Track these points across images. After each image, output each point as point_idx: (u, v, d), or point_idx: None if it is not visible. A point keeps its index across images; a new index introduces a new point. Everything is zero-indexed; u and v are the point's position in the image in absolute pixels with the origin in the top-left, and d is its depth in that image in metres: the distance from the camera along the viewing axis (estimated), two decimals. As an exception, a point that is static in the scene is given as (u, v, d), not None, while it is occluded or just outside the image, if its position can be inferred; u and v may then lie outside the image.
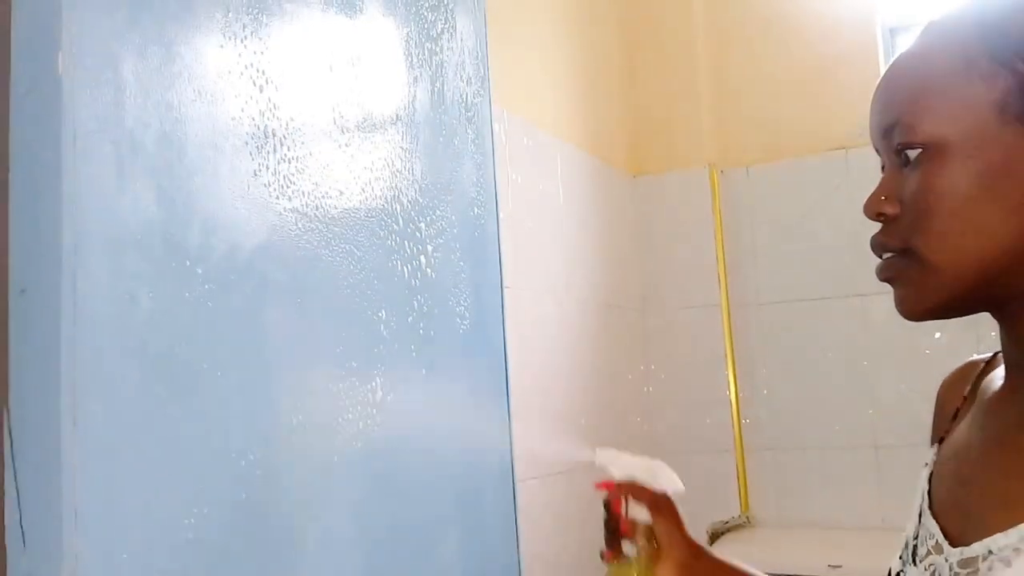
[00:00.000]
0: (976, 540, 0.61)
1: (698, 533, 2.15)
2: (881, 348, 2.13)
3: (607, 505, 0.90)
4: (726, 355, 2.26)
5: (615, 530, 0.88)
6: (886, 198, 0.66)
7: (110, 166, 0.71)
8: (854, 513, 2.15)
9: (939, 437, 0.76)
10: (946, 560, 0.64)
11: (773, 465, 2.25)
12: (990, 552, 0.60)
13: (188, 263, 0.77)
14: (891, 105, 0.66)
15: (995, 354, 0.76)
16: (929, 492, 0.71)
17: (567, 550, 1.81)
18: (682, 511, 0.89)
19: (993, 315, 0.67)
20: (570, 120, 2.08)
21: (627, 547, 0.87)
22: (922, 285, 0.64)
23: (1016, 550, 0.58)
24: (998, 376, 0.71)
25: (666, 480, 0.91)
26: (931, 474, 0.72)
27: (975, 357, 0.79)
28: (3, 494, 0.67)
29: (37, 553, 0.66)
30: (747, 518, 2.22)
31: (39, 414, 0.67)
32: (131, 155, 0.73)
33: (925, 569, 0.66)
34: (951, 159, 0.62)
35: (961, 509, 0.66)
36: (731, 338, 2.26)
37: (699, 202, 2.32)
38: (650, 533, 0.87)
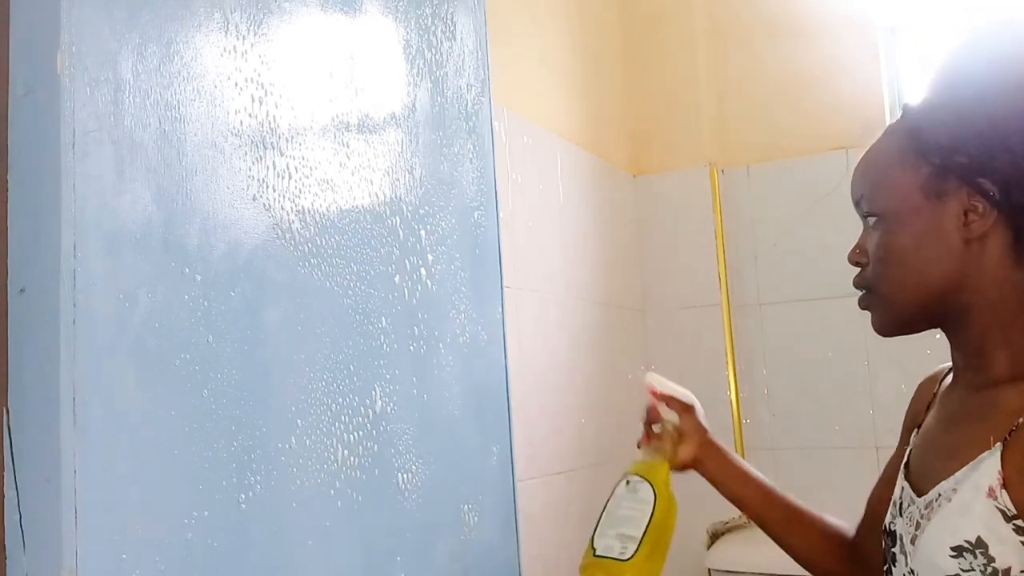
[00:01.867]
0: (931, 488, 0.86)
1: (698, 533, 2.16)
2: (881, 348, 2.13)
3: (648, 409, 1.18)
4: (726, 355, 2.26)
5: (651, 421, 1.16)
6: (859, 251, 0.95)
7: (109, 166, 0.71)
8: (854, 513, 2.15)
9: (916, 425, 1.02)
10: (916, 507, 0.88)
11: (773, 465, 2.24)
12: (939, 495, 0.84)
13: (187, 262, 0.77)
14: (857, 183, 0.95)
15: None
16: (907, 464, 0.96)
17: (567, 550, 1.81)
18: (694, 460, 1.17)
19: (941, 329, 0.94)
20: (570, 119, 2.08)
21: (657, 429, 1.15)
22: (884, 312, 0.93)
23: (954, 489, 0.83)
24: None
25: (695, 403, 1.19)
26: (909, 452, 0.98)
27: (942, 365, 1.04)
28: (3, 494, 0.67)
29: (37, 553, 0.66)
30: (747, 518, 2.22)
31: (39, 414, 0.67)
32: (130, 155, 0.73)
33: (907, 518, 0.89)
34: (895, 225, 0.90)
35: (923, 470, 0.92)
36: (731, 338, 2.26)
37: (699, 202, 2.32)
38: (677, 429, 1.15)
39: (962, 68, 0.90)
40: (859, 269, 0.96)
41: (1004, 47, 0.89)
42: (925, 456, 0.94)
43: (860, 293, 0.97)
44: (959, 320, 0.91)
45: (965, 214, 0.86)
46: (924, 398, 1.04)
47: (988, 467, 0.81)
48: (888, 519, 0.96)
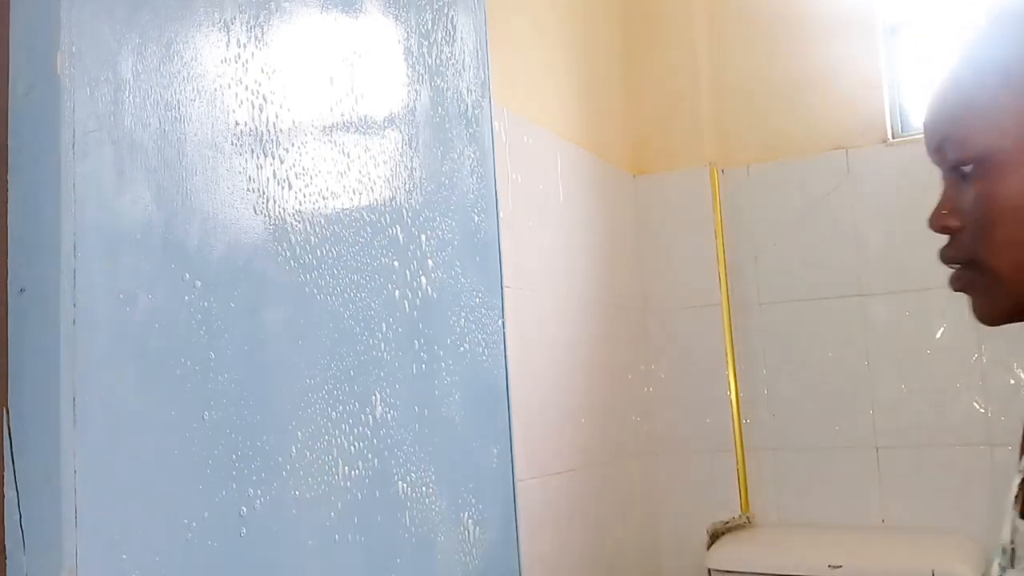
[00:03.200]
0: None
1: (698, 533, 2.16)
2: (881, 348, 2.13)
3: None
4: (726, 355, 2.26)
5: None
6: (948, 212, 0.70)
7: (109, 165, 0.71)
8: (854, 513, 2.15)
9: None
10: None
11: (773, 465, 2.25)
12: None
13: (188, 263, 0.77)
14: (938, 124, 0.69)
15: None
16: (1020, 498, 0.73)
17: (567, 550, 1.81)
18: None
19: None
20: (570, 119, 2.08)
21: None
22: (991, 294, 0.68)
23: None
24: None
25: None
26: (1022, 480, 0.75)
27: None
28: (3, 494, 0.67)
29: (37, 553, 0.66)
30: (747, 518, 2.22)
31: (39, 414, 0.67)
32: (130, 154, 0.73)
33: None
34: (1003, 171, 0.65)
35: None
36: (731, 338, 2.26)
37: (699, 202, 2.32)
38: None
39: None
40: (947, 238, 0.71)
41: None
42: None
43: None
44: None
45: None
46: None
47: None
48: (995, 572, 0.75)
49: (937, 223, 0.71)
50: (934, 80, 0.72)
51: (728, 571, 1.98)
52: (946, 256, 0.71)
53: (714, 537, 2.15)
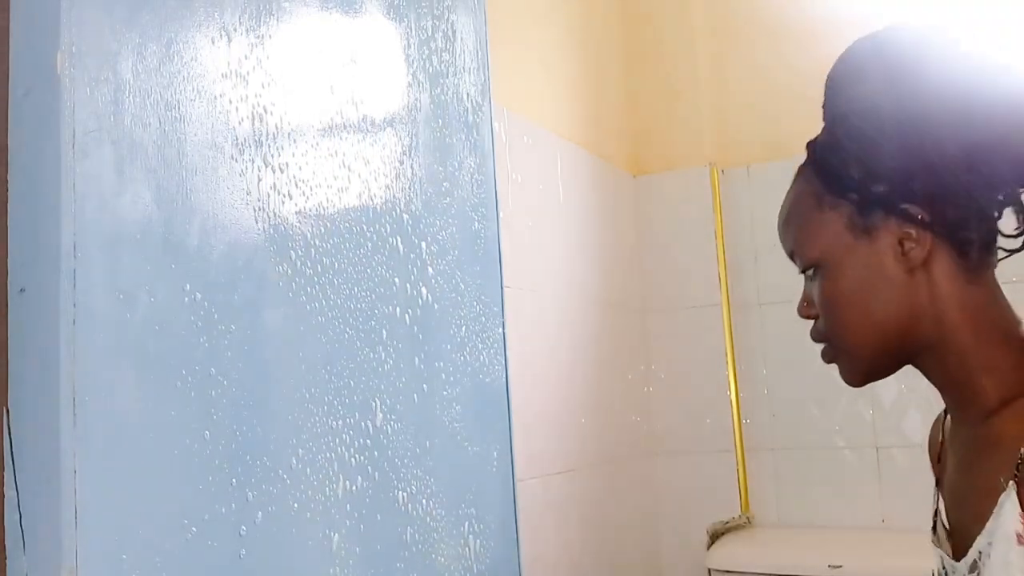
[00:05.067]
0: (969, 548, 0.77)
1: (698, 533, 2.16)
2: (881, 348, 2.12)
3: None
4: (726, 355, 2.26)
5: None
6: (807, 304, 0.89)
7: (109, 166, 0.71)
8: (854, 513, 2.15)
9: (937, 480, 0.93)
10: (959, 574, 0.80)
11: (773, 465, 2.25)
12: (979, 553, 0.76)
13: (188, 263, 0.77)
14: (784, 237, 0.90)
15: None
16: (936, 528, 0.88)
17: (567, 550, 1.81)
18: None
19: (917, 368, 0.86)
20: (570, 119, 2.08)
21: None
22: (848, 364, 0.86)
23: (989, 543, 0.74)
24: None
25: None
26: (936, 513, 0.89)
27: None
28: (3, 494, 0.67)
29: (37, 553, 0.66)
30: (747, 518, 2.22)
31: (39, 414, 0.67)
32: (130, 155, 0.73)
33: None
34: (832, 273, 0.84)
35: (957, 527, 0.83)
36: (731, 338, 2.26)
37: (699, 202, 2.32)
38: None
39: (851, 93, 0.83)
40: (812, 323, 0.89)
41: (885, 62, 0.83)
42: (953, 511, 0.85)
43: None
44: (930, 355, 0.83)
45: (900, 243, 0.80)
46: (934, 448, 0.95)
47: (1008, 512, 0.72)
48: None
49: (801, 312, 0.90)
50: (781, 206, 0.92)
51: (728, 571, 1.98)
52: (813, 337, 0.89)
53: (714, 537, 2.15)
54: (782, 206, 0.90)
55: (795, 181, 0.89)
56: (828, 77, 0.86)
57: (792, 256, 0.89)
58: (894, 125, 0.80)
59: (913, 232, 0.80)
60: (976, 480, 0.79)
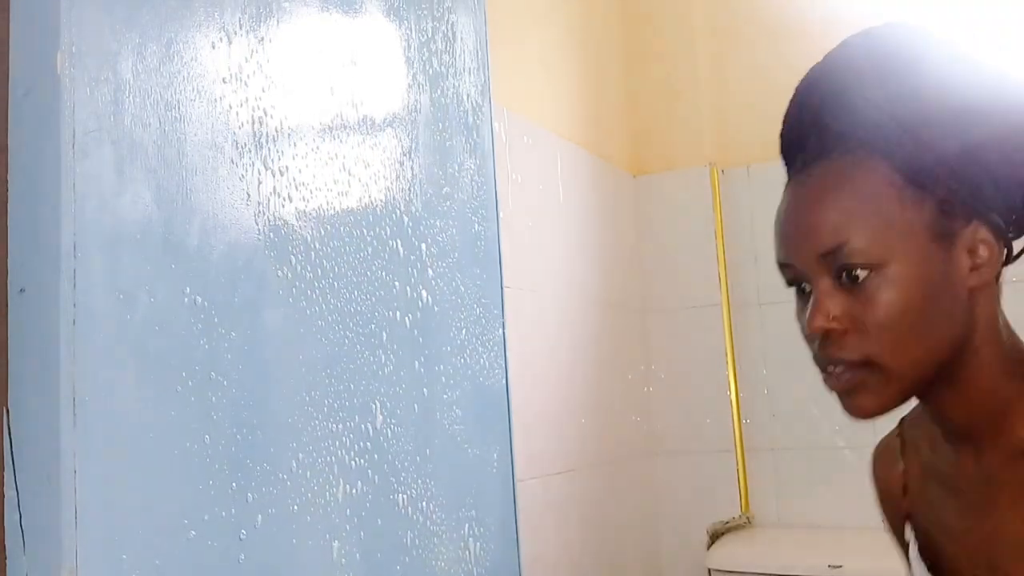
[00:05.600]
0: None
1: (698, 533, 2.16)
2: (881, 348, 2.12)
3: None
4: (726, 355, 2.26)
5: None
6: (834, 316, 0.72)
7: (109, 166, 0.71)
8: (854, 513, 2.14)
9: (904, 514, 0.86)
10: None
11: (773, 465, 2.25)
12: None
13: (187, 263, 0.77)
14: (833, 230, 0.72)
15: (899, 428, 0.89)
16: (934, 568, 0.81)
17: (567, 550, 1.81)
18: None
19: (921, 398, 0.77)
20: (570, 119, 2.08)
21: None
22: (884, 390, 0.72)
23: None
24: (932, 446, 0.82)
25: None
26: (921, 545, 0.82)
27: (883, 437, 0.90)
28: (3, 494, 0.67)
29: (37, 553, 0.66)
30: (747, 518, 2.22)
31: (39, 414, 0.67)
32: (130, 155, 0.73)
33: None
34: (899, 278, 0.71)
35: (990, 567, 0.75)
36: (731, 338, 2.26)
37: (699, 202, 2.32)
38: None
39: (905, 80, 0.75)
40: (820, 338, 0.74)
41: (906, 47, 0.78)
42: (981, 553, 0.76)
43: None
44: (954, 386, 0.74)
45: (970, 255, 0.72)
46: (894, 479, 0.88)
47: None
48: None
49: (818, 326, 0.72)
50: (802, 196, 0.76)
51: (728, 571, 1.98)
52: (831, 358, 0.73)
53: (714, 537, 2.15)
54: (828, 194, 0.74)
55: (853, 168, 0.73)
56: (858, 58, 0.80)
57: (832, 252, 0.72)
58: (960, 121, 0.72)
59: (987, 244, 0.72)
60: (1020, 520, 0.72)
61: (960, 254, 0.71)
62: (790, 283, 0.79)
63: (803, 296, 0.77)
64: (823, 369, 0.75)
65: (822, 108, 0.77)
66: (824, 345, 0.73)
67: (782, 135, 0.81)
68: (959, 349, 0.72)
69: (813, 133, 0.77)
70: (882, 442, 0.90)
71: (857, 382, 0.72)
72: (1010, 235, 0.74)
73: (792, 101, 0.83)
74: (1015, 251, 0.74)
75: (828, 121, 0.76)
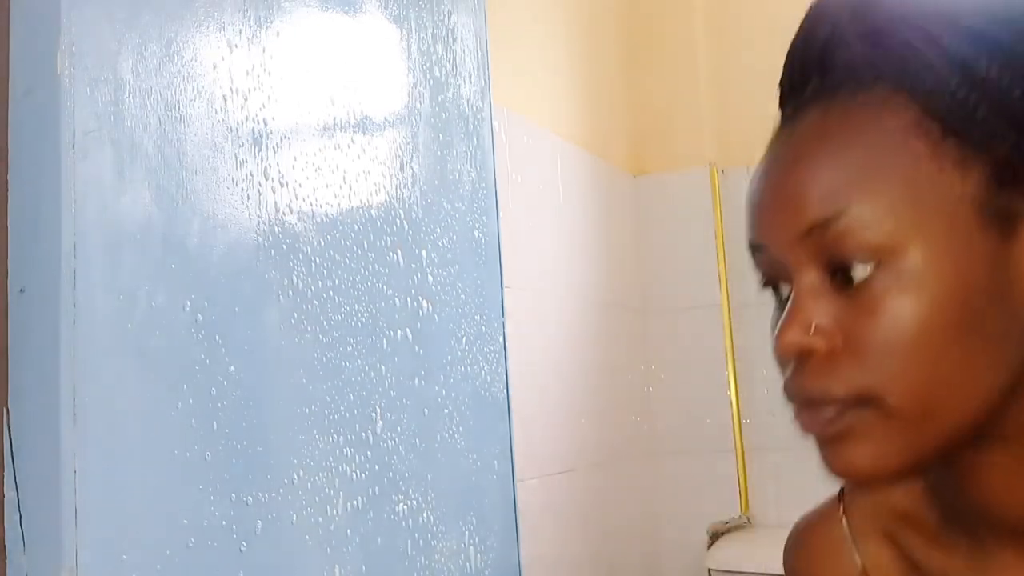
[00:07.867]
0: None
1: (698, 533, 2.16)
2: (881, 348, 2.12)
3: None
4: (726, 355, 2.26)
5: None
6: (814, 329, 0.47)
7: (109, 166, 0.71)
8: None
9: None
10: None
11: (773, 465, 2.24)
12: None
13: (187, 263, 0.77)
14: (826, 195, 0.47)
15: (841, 504, 0.64)
16: None
17: (567, 550, 1.81)
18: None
19: (945, 462, 0.50)
20: (570, 119, 2.08)
21: None
22: (888, 442, 0.46)
23: None
24: (929, 539, 0.56)
25: None
26: None
27: (808, 521, 0.66)
28: (3, 494, 0.67)
29: (37, 553, 0.66)
30: (747, 518, 2.22)
31: (39, 414, 0.67)
32: (130, 155, 0.73)
33: None
34: (923, 275, 0.45)
35: None
36: (731, 338, 2.26)
37: (699, 202, 2.32)
38: None
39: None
40: (794, 363, 0.48)
41: None
42: None
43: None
44: (1015, 443, 0.48)
45: None
46: (844, 566, 0.60)
47: None
48: None
49: (795, 344, 0.47)
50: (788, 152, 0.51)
51: (728, 571, 1.98)
52: (807, 393, 0.47)
53: (714, 537, 2.15)
54: (802, 148, 0.51)
55: (851, 110, 0.49)
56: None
57: (819, 229, 0.48)
58: None
59: None
60: None
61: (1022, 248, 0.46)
62: (765, 280, 0.55)
63: (782, 303, 0.52)
64: (796, 405, 0.49)
65: (833, 36, 0.55)
66: (799, 371, 0.48)
67: (780, 83, 0.59)
68: (1015, 390, 0.46)
69: (816, 71, 0.54)
70: (807, 524, 0.64)
71: (851, 426, 0.47)
72: None
73: (796, 36, 0.59)
74: None
75: (839, 51, 0.53)
